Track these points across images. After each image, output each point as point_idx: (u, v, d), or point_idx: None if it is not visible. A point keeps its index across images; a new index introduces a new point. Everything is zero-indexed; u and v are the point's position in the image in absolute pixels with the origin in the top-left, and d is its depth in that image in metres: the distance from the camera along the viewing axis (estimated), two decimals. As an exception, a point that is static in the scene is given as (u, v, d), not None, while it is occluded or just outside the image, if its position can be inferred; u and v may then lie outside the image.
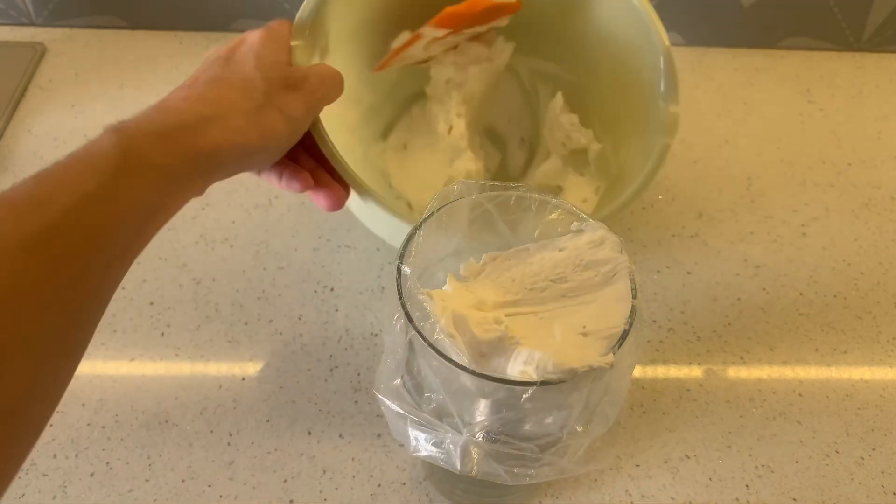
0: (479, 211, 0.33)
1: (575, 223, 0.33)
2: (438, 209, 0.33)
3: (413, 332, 0.29)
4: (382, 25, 0.51)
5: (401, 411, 0.30)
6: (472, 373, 0.28)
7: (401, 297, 0.29)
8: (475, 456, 0.29)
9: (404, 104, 0.57)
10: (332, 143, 0.41)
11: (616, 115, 0.52)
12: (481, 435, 0.29)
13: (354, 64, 0.51)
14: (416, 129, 0.56)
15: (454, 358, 0.28)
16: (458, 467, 0.29)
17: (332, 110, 0.41)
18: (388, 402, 0.31)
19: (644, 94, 0.48)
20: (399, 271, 0.30)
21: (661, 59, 0.46)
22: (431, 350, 0.28)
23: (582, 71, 0.54)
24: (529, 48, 0.55)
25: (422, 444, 0.30)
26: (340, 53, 0.48)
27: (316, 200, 0.41)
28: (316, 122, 0.40)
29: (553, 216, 0.34)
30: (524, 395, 0.27)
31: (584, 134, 0.53)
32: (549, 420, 0.30)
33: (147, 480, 0.42)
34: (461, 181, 0.33)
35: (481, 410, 0.30)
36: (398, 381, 0.31)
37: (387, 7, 0.50)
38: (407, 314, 0.29)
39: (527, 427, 0.30)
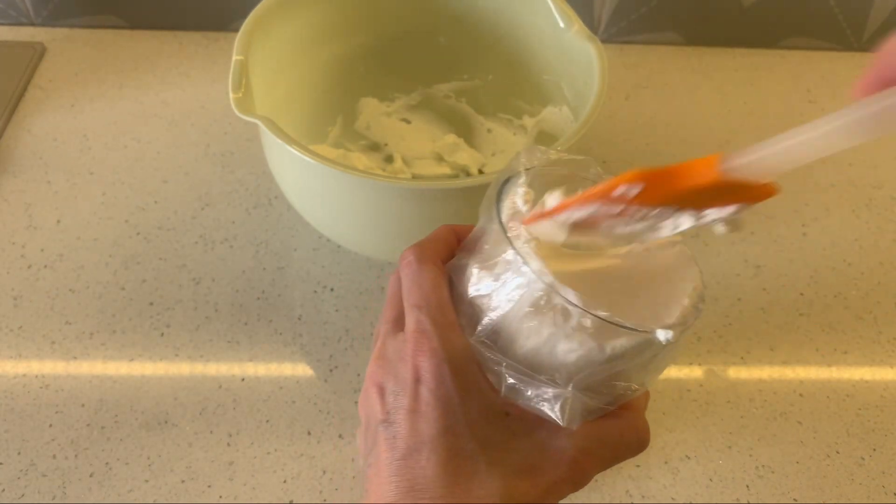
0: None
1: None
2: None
3: (534, 278, 0.27)
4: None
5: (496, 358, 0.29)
6: (612, 322, 0.27)
7: (507, 237, 0.28)
8: (570, 411, 0.28)
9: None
10: None
11: (534, 83, 0.55)
12: (578, 390, 0.28)
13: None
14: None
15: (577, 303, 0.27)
16: (563, 422, 0.28)
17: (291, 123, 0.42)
18: (481, 350, 0.29)
19: (545, 41, 0.51)
20: (499, 210, 0.29)
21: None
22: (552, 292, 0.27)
23: (490, 69, 0.58)
24: (444, 77, 0.59)
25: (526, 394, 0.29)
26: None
27: None
28: None
29: None
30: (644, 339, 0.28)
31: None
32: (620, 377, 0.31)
33: (146, 481, 0.42)
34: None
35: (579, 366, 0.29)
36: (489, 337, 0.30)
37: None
38: (522, 256, 0.27)
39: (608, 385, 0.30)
